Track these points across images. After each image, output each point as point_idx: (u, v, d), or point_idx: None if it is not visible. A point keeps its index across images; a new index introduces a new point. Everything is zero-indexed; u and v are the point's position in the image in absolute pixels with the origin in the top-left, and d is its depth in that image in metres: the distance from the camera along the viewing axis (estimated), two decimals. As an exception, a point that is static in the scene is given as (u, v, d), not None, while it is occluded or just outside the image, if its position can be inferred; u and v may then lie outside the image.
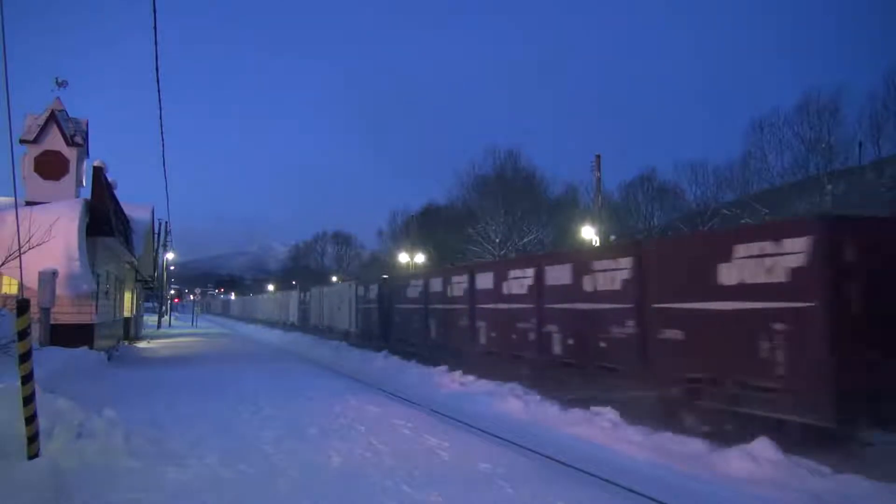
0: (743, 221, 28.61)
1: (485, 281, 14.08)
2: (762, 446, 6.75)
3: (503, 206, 41.84)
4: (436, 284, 16.87)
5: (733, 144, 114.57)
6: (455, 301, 15.49)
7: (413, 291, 18.52)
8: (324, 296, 31.13)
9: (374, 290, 22.30)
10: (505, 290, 13.09)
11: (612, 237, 33.98)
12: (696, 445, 7.39)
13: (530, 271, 12.24)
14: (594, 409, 9.28)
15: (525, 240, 40.92)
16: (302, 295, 36.32)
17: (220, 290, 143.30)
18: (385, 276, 24.56)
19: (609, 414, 8.95)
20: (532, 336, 12.00)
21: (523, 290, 12.34)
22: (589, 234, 29.91)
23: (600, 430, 8.53)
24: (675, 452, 7.35)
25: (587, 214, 33.84)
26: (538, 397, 10.73)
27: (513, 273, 12.94)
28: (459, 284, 15.29)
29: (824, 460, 6.44)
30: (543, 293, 11.70)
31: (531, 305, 12.07)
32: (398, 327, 19.76)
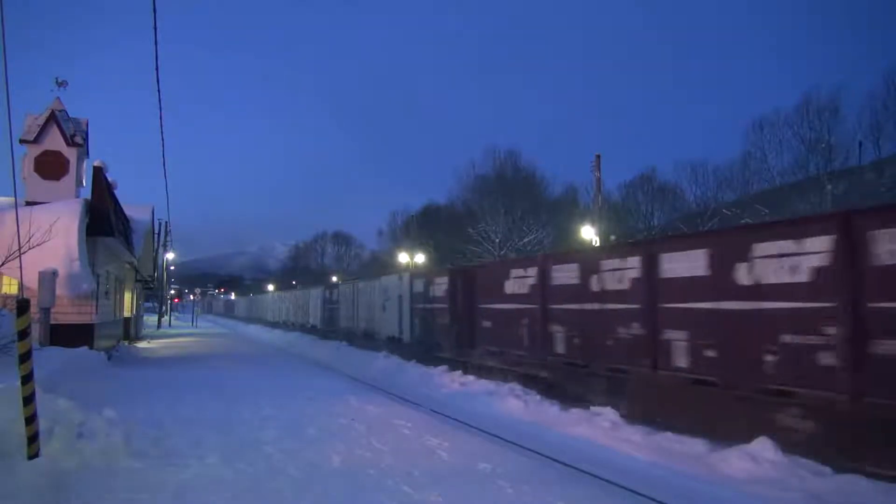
0: (744, 220, 28.58)
1: (680, 265, 8.77)
2: (762, 446, 6.73)
3: (503, 206, 41.90)
4: (564, 273, 11.57)
5: (733, 144, 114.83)
6: (607, 299, 10.32)
7: (516, 286, 13.17)
8: (359, 293, 24.53)
9: (441, 285, 16.64)
10: (735, 279, 7.80)
11: (613, 237, 34.00)
12: (696, 445, 7.37)
13: (815, 242, 6.84)
14: (594, 409, 9.29)
15: (525, 240, 40.91)
16: (327, 293, 30.41)
17: (220, 290, 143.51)
18: (463, 266, 19.37)
19: (609, 414, 8.95)
20: (826, 358, 6.67)
21: (781, 278, 7.18)
22: (589, 234, 29.93)
23: (600, 429, 8.53)
24: (676, 452, 7.34)
25: (587, 214, 33.88)
26: (538, 397, 10.73)
27: (758, 248, 7.51)
28: (620, 272, 10.09)
29: (825, 460, 6.43)
30: (854, 279, 6.45)
31: (822, 304, 6.73)
32: (487, 336, 14.25)
